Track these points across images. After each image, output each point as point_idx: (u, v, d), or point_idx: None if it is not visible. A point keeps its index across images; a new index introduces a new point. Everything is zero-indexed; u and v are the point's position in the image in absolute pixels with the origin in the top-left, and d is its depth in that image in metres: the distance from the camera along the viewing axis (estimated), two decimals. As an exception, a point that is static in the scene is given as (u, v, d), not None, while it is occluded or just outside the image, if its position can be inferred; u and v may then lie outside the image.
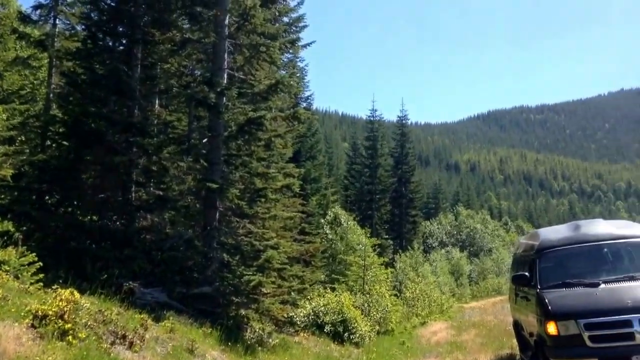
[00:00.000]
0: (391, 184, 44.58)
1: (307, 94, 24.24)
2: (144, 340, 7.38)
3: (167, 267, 11.00)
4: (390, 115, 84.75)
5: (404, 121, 48.58)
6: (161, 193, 11.71)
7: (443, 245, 52.36)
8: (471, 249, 55.82)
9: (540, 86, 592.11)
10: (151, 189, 11.92)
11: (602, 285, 7.28)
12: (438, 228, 55.63)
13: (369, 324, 17.08)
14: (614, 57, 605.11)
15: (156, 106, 12.64)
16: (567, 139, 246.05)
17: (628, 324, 6.71)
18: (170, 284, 10.86)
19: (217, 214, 11.91)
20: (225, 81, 12.22)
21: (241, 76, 12.68)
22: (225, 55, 12.34)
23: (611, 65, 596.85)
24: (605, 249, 7.96)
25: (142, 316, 8.29)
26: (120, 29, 11.85)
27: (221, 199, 11.75)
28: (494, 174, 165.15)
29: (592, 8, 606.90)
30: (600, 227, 8.54)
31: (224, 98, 12.07)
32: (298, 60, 20.71)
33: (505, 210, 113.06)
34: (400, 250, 38.44)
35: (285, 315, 13.46)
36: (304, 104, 23.40)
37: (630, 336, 6.69)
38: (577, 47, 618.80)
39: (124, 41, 11.89)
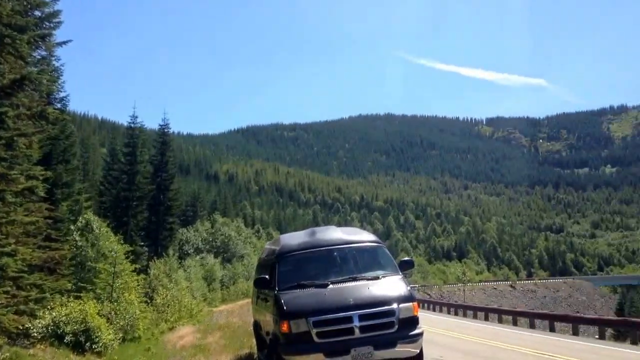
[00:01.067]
0: (150, 191, 43.54)
1: (62, 94, 22.14)
2: None
3: None
4: (152, 123, 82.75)
5: (165, 130, 48.56)
6: None
7: (198, 252, 53.14)
8: (225, 255, 57.74)
9: (294, 107, 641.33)
10: None
11: (330, 286, 7.89)
12: (194, 235, 56.29)
13: (112, 332, 16.85)
14: (354, 85, 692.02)
15: None
16: (314, 156, 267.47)
17: (349, 320, 7.37)
18: None
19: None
20: (-39, 72, 11.19)
21: (-19, 68, 11.61)
22: (-37, 45, 11.30)
23: (352, 92, 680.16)
24: (335, 253, 8.60)
25: None
26: None
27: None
28: (250, 185, 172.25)
29: (334, 39, 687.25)
30: (332, 233, 9.24)
31: (-41, 90, 11.03)
32: (53, 58, 19.10)
33: (258, 219, 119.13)
34: (155, 257, 37.98)
35: (20, 326, 12.59)
36: (59, 105, 21.53)
37: (351, 331, 7.37)
38: (325, 73, 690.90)
39: None
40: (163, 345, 18.64)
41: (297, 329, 7.42)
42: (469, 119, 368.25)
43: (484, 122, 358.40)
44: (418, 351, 7.74)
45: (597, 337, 19.86)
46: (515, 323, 24.31)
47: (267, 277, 8.76)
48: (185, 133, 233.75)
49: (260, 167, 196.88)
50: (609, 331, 30.61)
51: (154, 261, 35.17)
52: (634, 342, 17.15)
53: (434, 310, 38.25)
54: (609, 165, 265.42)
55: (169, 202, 45.74)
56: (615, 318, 31.43)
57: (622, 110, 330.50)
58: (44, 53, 17.09)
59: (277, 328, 7.80)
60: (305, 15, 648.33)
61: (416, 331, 7.68)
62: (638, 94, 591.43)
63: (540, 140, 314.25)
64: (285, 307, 7.68)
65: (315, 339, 7.36)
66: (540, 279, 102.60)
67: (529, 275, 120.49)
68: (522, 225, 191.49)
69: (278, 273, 8.46)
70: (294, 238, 9.63)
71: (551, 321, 21.52)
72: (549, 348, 13.45)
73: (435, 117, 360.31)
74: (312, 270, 8.37)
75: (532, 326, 22.78)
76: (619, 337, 29.35)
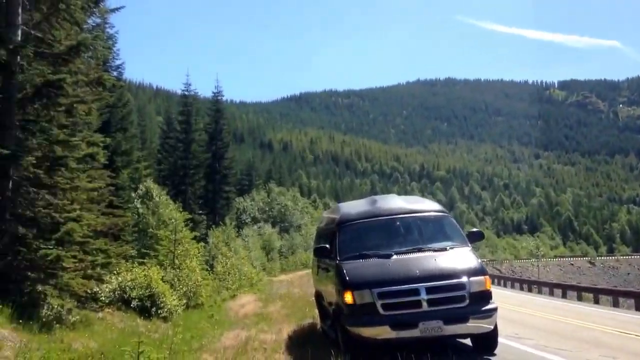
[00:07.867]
0: (205, 160, 43.53)
1: (117, 62, 23.56)
2: None
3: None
4: (205, 91, 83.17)
5: (218, 97, 48.38)
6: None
7: (255, 221, 52.26)
8: (282, 225, 56.88)
9: (348, 73, 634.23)
10: None
11: (394, 257, 7.65)
12: (251, 204, 55.42)
13: (177, 298, 16.76)
14: (411, 50, 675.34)
15: None
16: (370, 123, 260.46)
17: (416, 292, 7.12)
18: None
19: (11, 184, 10.79)
20: (19, 38, 10.95)
21: (38, 35, 11.48)
22: (20, 10, 11.08)
23: (408, 57, 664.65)
24: (398, 223, 8.36)
25: None
26: None
27: (15, 167, 10.72)
28: (305, 154, 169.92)
29: (391, 9, 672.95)
30: (394, 202, 9.05)
31: (18, 57, 10.85)
32: (107, 25, 19.49)
33: (314, 189, 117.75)
34: (213, 226, 37.22)
35: (89, 290, 12.79)
36: (115, 73, 22.40)
37: (418, 304, 7.10)
38: (380, 40, 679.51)
39: None
40: (225, 313, 18.70)
41: (360, 300, 7.23)
42: (539, 83, 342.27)
43: (556, 86, 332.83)
44: (492, 327, 7.42)
45: None
46: (596, 301, 22.91)
47: (327, 246, 8.63)
48: (238, 100, 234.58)
49: (315, 135, 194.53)
50: None
51: (212, 229, 34.65)
52: None
53: (504, 286, 37.44)
54: None
55: (225, 170, 45.66)
56: None
57: None
58: (98, 20, 16.89)
59: (340, 299, 7.65)
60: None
61: (489, 306, 7.32)
62: None
63: (620, 105, 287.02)
64: (347, 278, 7.50)
65: (381, 311, 7.15)
66: (622, 255, 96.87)
67: (610, 251, 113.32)
68: (602, 197, 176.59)
69: (338, 242, 8.29)
70: (354, 206, 9.47)
71: (637, 300, 19.33)
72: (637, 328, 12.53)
73: (501, 81, 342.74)
74: (373, 239, 8.21)
75: (615, 305, 20.85)
76: None
